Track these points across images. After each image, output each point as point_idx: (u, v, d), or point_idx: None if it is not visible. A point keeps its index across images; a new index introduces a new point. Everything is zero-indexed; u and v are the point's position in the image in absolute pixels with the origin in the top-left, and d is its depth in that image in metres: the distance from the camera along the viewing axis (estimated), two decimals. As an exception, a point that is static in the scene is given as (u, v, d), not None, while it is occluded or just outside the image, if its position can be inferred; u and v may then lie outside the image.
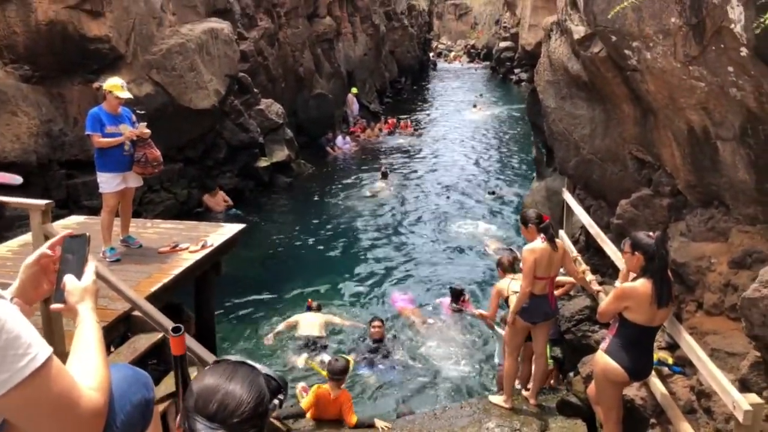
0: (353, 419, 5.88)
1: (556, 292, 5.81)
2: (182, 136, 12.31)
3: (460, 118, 25.98)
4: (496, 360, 7.67)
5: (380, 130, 22.24)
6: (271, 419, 4.93)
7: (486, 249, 11.47)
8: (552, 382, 6.63)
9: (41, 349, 1.33)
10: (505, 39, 37.03)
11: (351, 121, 22.08)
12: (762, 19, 3.71)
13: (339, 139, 19.81)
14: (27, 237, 6.20)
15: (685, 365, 4.87)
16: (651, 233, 4.37)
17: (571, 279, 6.12)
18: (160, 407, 4.26)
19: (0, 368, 1.27)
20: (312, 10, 19.68)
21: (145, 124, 6.53)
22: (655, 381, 4.81)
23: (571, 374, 6.32)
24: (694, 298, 5.16)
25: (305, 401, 5.97)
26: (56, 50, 10.14)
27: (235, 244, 7.43)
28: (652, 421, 4.85)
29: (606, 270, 6.79)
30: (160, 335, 4.93)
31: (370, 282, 10.30)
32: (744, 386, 4.00)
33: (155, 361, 5.10)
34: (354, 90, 22.85)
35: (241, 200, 13.75)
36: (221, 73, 12.92)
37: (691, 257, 5.18)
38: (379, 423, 5.88)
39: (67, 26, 10.09)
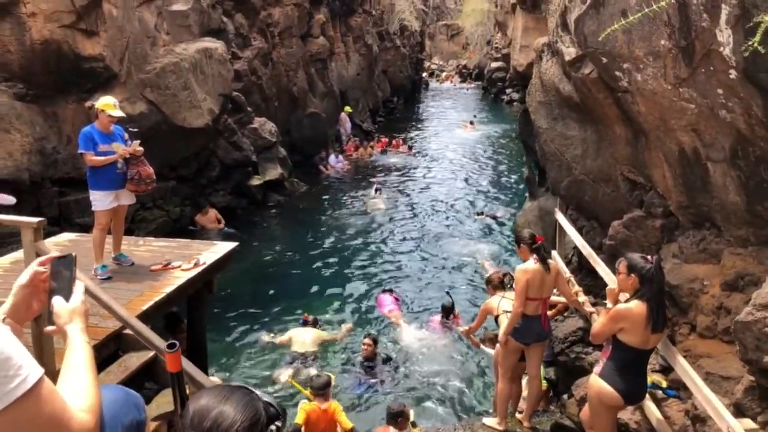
0: (349, 425, 5.89)
1: (549, 313, 5.80)
2: (176, 154, 12.32)
3: (452, 137, 26.07)
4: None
5: (372, 148, 22.33)
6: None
7: (480, 266, 11.47)
8: (542, 404, 6.59)
9: (32, 371, 1.33)
10: (496, 59, 37.23)
11: (344, 140, 22.15)
12: (750, 42, 3.75)
13: (332, 158, 19.87)
14: (18, 254, 6.14)
15: (679, 388, 4.86)
16: (648, 256, 4.36)
17: (562, 299, 6.11)
18: (152, 426, 4.22)
19: (-10, 390, 1.26)
20: (305, 30, 19.81)
21: (139, 141, 6.53)
22: (649, 405, 4.78)
23: (565, 396, 6.30)
24: (687, 320, 5.16)
25: (298, 418, 5.95)
26: (51, 69, 10.15)
27: (228, 262, 7.40)
28: (647, 444, 4.83)
29: (599, 291, 6.78)
30: (151, 354, 4.88)
31: (362, 299, 10.28)
32: (739, 411, 3.98)
33: (151, 383, 5.04)
34: (347, 109, 22.96)
35: (234, 218, 13.73)
36: (215, 92, 12.96)
37: (683, 279, 5.19)
38: None
39: (62, 45, 10.11)
